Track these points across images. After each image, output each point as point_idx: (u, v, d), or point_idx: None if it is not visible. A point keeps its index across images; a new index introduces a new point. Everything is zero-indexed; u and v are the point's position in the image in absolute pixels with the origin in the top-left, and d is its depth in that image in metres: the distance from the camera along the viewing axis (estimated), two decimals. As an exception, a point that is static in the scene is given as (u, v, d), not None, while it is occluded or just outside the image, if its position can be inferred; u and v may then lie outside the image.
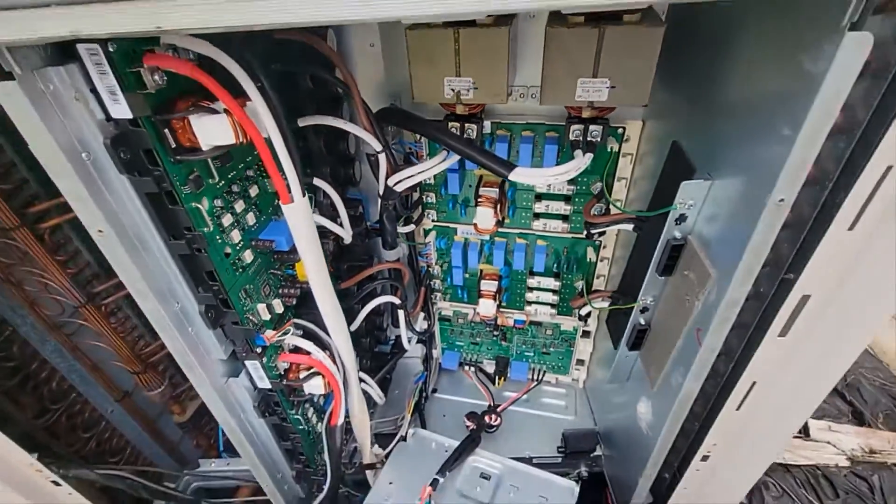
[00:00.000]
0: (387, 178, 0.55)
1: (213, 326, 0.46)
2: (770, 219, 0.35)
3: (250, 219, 0.49)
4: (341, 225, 0.59)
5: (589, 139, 0.52)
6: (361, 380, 0.71)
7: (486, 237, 0.70)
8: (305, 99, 0.54)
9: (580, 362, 0.84)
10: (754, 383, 0.47)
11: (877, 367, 1.87)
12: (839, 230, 0.36)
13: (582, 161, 0.48)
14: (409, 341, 0.75)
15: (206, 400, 0.50)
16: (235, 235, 0.47)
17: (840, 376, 0.44)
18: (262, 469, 0.59)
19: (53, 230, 0.64)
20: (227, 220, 0.45)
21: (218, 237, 0.44)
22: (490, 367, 0.88)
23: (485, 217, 0.60)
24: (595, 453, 0.78)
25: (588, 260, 0.67)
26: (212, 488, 0.82)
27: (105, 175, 0.35)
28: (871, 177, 0.33)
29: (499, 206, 0.63)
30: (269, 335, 0.51)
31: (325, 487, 0.63)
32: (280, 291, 0.55)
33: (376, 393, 0.74)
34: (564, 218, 0.65)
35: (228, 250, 0.46)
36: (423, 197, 0.68)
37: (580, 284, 0.70)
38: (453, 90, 0.50)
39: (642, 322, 0.55)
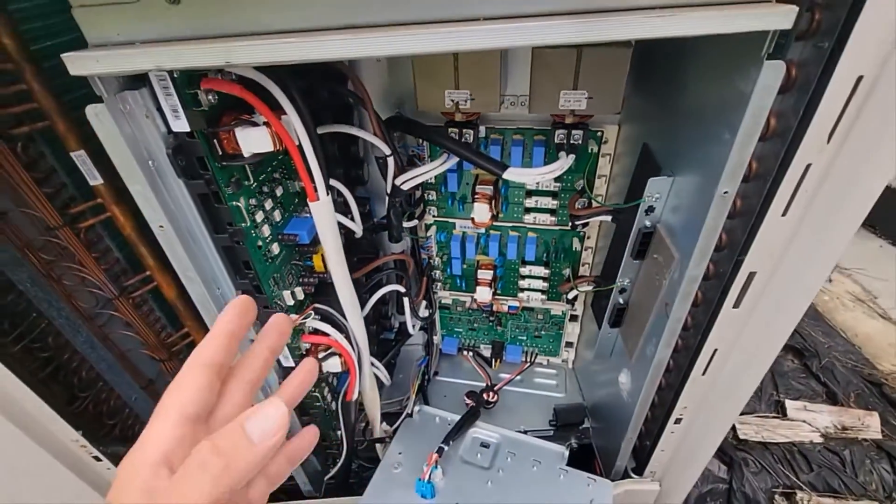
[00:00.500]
0: (394, 179, 0.62)
1: (249, 309, 0.53)
2: (718, 208, 0.43)
3: (277, 215, 0.56)
4: (353, 220, 0.66)
5: (572, 142, 0.59)
6: (371, 362, 0.79)
7: (483, 230, 0.77)
8: (323, 109, 0.60)
9: (569, 344, 0.92)
10: (716, 350, 0.55)
11: (849, 350, 1.98)
12: (775, 216, 0.44)
13: (566, 161, 0.56)
14: (413, 327, 0.82)
15: (240, 376, 0.57)
16: (265, 230, 0.53)
17: (785, 339, 0.52)
18: (285, 441, 0.66)
19: (88, 230, 0.70)
20: (259, 216, 0.52)
21: (252, 231, 0.51)
22: (487, 352, 0.96)
23: (481, 212, 0.68)
24: (584, 426, 0.86)
25: (574, 249, 0.75)
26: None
27: (166, 179, 0.42)
28: (795, 173, 0.41)
29: (493, 202, 0.71)
30: (294, 318, 0.58)
31: (341, 459, 0.70)
32: (301, 280, 0.62)
33: (384, 375, 0.81)
34: (552, 212, 0.72)
35: (260, 243, 0.53)
36: (425, 195, 0.75)
37: (567, 271, 0.77)
38: (453, 101, 0.57)
39: (621, 301, 0.63)
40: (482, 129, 0.65)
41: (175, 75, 0.38)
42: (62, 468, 0.62)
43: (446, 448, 0.69)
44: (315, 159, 0.46)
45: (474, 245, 0.77)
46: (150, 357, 0.83)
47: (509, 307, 0.86)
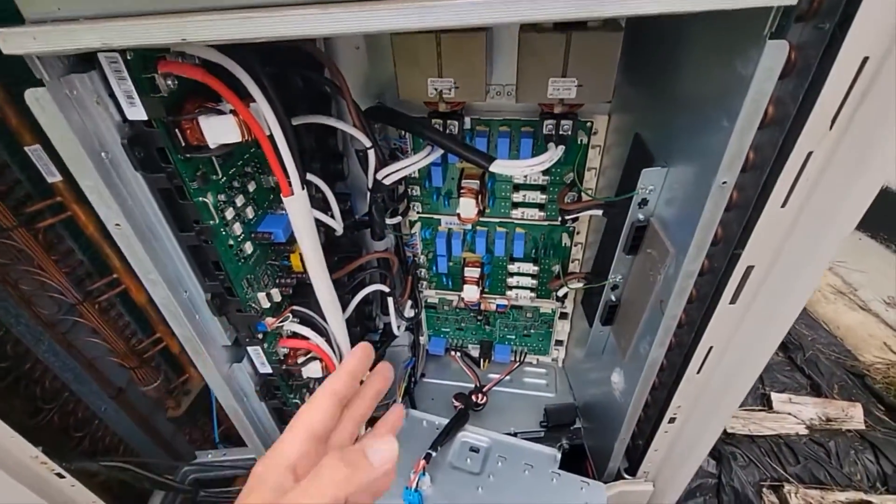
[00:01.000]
0: (376, 173, 0.59)
1: (219, 314, 0.49)
2: (716, 199, 0.41)
3: (249, 212, 0.52)
4: (332, 217, 0.62)
5: (561, 133, 0.57)
6: (354, 366, 0.75)
7: (469, 226, 0.74)
8: (297, 98, 0.57)
9: (559, 343, 0.90)
10: (711, 348, 0.53)
11: (832, 343, 2.01)
12: (774, 208, 0.42)
13: (555, 153, 0.53)
14: (399, 328, 0.79)
15: (212, 385, 0.53)
16: (237, 228, 0.50)
17: (783, 335, 0.51)
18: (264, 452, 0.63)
19: (46, 230, 0.65)
20: (229, 213, 0.48)
21: (222, 230, 0.47)
22: (475, 352, 0.93)
23: (467, 207, 0.65)
24: (575, 426, 0.84)
25: (563, 245, 0.73)
26: (208, 479, 0.84)
27: (122, 172, 0.38)
28: (796, 161, 0.39)
29: (480, 197, 0.68)
30: (270, 322, 0.55)
31: (325, 466, 0.66)
32: (278, 281, 0.59)
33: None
34: (541, 206, 0.70)
35: (231, 242, 0.49)
36: (409, 190, 0.72)
37: (557, 268, 0.75)
38: (436, 89, 0.54)
39: (613, 298, 0.61)
40: (467, 120, 0.63)
41: (129, 56, 0.34)
42: (21, 487, 0.58)
43: (434, 454, 0.66)
44: (288, 151, 0.43)
45: (460, 242, 0.75)
46: (119, 365, 0.79)
47: (497, 306, 0.84)
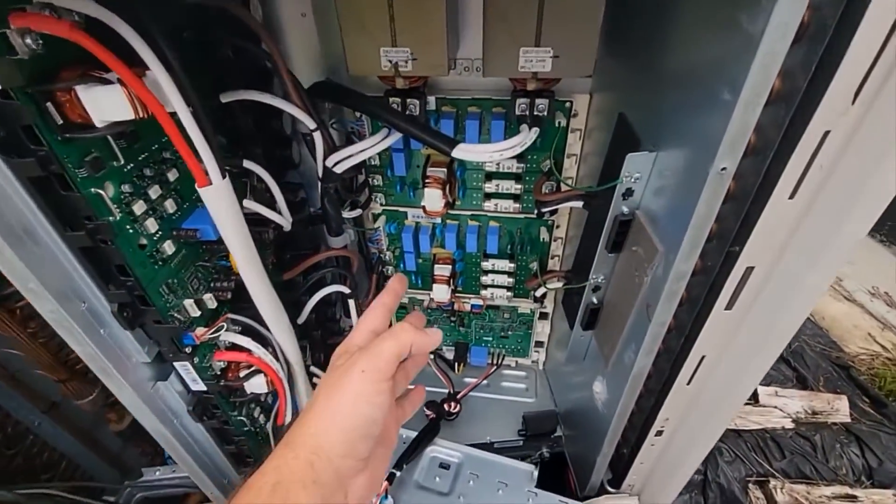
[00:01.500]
0: (325, 159, 0.51)
1: (131, 327, 0.42)
2: (713, 188, 0.34)
3: (169, 206, 0.44)
4: (279, 212, 0.55)
5: (536, 113, 0.50)
6: (313, 374, 0.68)
7: (438, 219, 0.67)
8: (231, 72, 0.49)
9: (539, 344, 0.84)
10: (703, 357, 0.47)
11: (818, 334, 1.99)
12: (780, 199, 0.35)
13: (527, 136, 0.46)
14: (363, 332, 0.72)
15: (130, 407, 0.46)
16: (151, 224, 0.42)
17: (784, 345, 0.45)
18: (204, 477, 0.56)
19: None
20: (138, 207, 0.40)
21: (129, 227, 0.40)
22: (449, 354, 0.87)
23: (433, 198, 0.58)
24: (556, 434, 0.78)
25: (542, 240, 0.66)
26: (157, 498, 0.77)
27: (-28, 156, 0.30)
28: (809, 143, 0.33)
29: (448, 187, 0.61)
30: (200, 333, 0.47)
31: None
32: (212, 285, 0.51)
33: (330, 387, 0.71)
34: (516, 197, 0.63)
35: (144, 241, 0.42)
36: (370, 179, 0.64)
37: (535, 265, 0.68)
38: (391, 62, 0.46)
39: (595, 301, 0.54)
40: (431, 99, 0.55)
41: (-39, 4, 0.26)
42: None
43: (398, 473, 0.59)
44: (199, 132, 0.35)
45: (429, 237, 0.68)
46: (48, 378, 0.71)
47: (472, 306, 0.77)
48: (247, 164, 0.50)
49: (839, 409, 1.68)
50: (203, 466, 0.55)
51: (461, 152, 0.44)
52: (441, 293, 0.69)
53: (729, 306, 0.43)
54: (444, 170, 0.59)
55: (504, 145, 0.45)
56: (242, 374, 0.53)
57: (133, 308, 0.42)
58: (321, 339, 0.75)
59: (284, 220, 0.55)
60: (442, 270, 0.70)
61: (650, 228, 0.42)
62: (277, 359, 0.53)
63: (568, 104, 0.54)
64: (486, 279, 0.72)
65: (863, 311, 2.16)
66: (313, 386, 0.69)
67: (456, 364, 0.84)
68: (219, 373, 0.52)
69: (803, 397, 1.72)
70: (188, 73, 0.34)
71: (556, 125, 0.54)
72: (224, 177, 0.38)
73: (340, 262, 0.64)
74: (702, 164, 0.34)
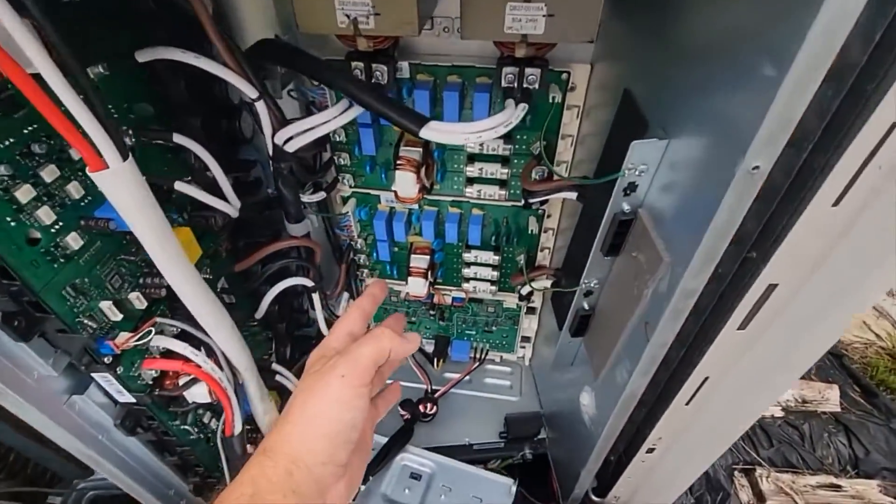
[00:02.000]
0: (273, 136, 0.43)
1: (25, 338, 0.34)
2: (740, 191, 0.26)
3: (74, 190, 0.36)
4: (223, 196, 0.47)
5: (525, 86, 0.42)
6: (276, 372, 0.62)
7: (415, 206, 0.59)
8: (155, 26, 0.40)
9: (525, 339, 0.78)
10: (706, 378, 0.41)
11: (812, 322, 1.96)
12: (820, 206, 0.28)
13: (513, 114, 0.38)
14: (330, 326, 0.65)
15: (38, 427, 0.39)
16: (46, 214, 0.34)
17: (801, 374, 0.38)
18: (143, 492, 0.50)
19: None
20: (24, 193, 0.32)
21: (10, 218, 0.32)
22: (429, 347, 0.81)
23: (405, 183, 0.50)
24: (539, 436, 0.73)
25: (530, 232, 0.59)
26: (111, 496, 0.72)
27: None
28: (869, 138, 0.25)
29: (425, 169, 0.53)
30: (121, 341, 0.40)
31: (227, 502, 0.54)
32: (141, 281, 0.44)
33: (293, 385, 0.65)
34: (502, 183, 0.55)
35: (37, 235, 0.34)
36: (335, 157, 0.56)
37: (521, 258, 0.61)
38: (348, 16, 0.38)
39: (586, 307, 0.48)
40: (404, 65, 0.46)
41: None
42: None
43: (362, 487, 0.54)
44: (77, 101, 0.27)
45: (404, 224, 0.60)
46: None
47: (454, 299, 0.70)
48: (178, 138, 0.42)
49: (829, 398, 1.66)
50: (141, 481, 0.49)
51: (431, 132, 0.36)
52: (417, 287, 0.62)
53: (743, 326, 0.36)
54: (420, 150, 0.51)
55: (483, 125, 0.37)
56: (182, 381, 0.46)
57: (26, 316, 0.34)
58: (287, 332, 0.69)
59: (229, 206, 0.47)
60: (418, 262, 0.62)
61: (655, 233, 0.35)
62: (221, 365, 0.46)
63: (564, 75, 0.45)
64: (468, 272, 0.65)
65: (859, 298, 2.12)
66: (276, 386, 0.62)
67: (435, 359, 0.78)
68: (151, 382, 0.45)
69: (794, 386, 1.70)
70: (96, 25, 0.26)
71: (550, 100, 0.45)
72: (126, 157, 0.30)
73: (302, 252, 0.56)
74: (728, 159, 0.26)
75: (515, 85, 0.42)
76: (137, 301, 0.43)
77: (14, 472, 0.77)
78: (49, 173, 0.34)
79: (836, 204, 0.28)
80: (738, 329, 0.36)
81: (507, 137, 0.50)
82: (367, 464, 0.38)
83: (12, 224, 0.32)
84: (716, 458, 0.50)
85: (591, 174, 0.47)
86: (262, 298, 0.59)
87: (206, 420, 0.56)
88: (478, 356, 0.79)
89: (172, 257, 0.36)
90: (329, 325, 0.65)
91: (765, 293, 0.33)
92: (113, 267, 0.41)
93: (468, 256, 0.63)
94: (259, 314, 0.59)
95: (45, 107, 0.26)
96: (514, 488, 0.56)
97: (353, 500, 0.54)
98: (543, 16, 0.35)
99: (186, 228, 0.46)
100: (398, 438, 0.61)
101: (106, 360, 0.40)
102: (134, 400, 0.44)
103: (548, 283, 0.57)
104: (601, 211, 0.40)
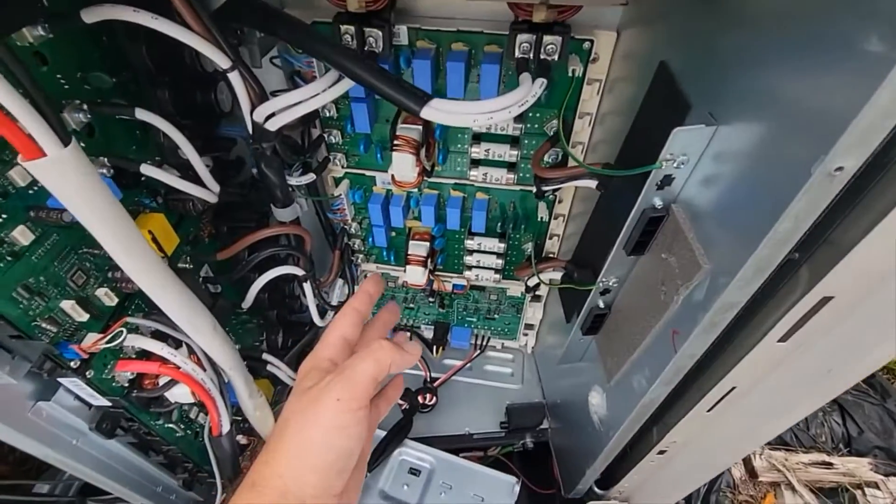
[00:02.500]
0: (252, 112, 0.38)
1: (-29, 346, 0.30)
2: (814, 196, 0.22)
3: (18, 177, 0.31)
4: (198, 179, 0.42)
5: (542, 56, 0.36)
6: (266, 362, 0.59)
7: (414, 189, 0.54)
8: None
9: (529, 327, 0.74)
10: (733, 388, 0.38)
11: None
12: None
13: (530, 91, 0.33)
14: (323, 315, 0.62)
15: (2, 437, 0.35)
16: (-16, 206, 0.29)
17: (836, 395, 0.35)
18: (130, 492, 0.47)
19: None
20: (-48, 183, 0.27)
21: (-63, 213, 0.27)
22: (428, 333, 0.77)
23: (403, 166, 0.45)
24: (542, 426, 0.71)
25: (539, 219, 0.54)
26: (101, 483, 0.70)
27: None
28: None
29: (426, 150, 0.48)
30: (88, 344, 0.36)
31: (217, 502, 0.52)
32: (110, 275, 0.39)
33: (286, 375, 0.62)
34: (510, 166, 0.50)
35: (-25, 230, 0.29)
36: (326, 135, 0.51)
37: (528, 247, 0.57)
38: (336, -30, 0.31)
39: (601, 305, 0.44)
40: (401, 30, 0.40)
41: None
42: None
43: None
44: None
45: (402, 208, 0.55)
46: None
47: (454, 286, 0.66)
48: (141, 113, 0.36)
49: (828, 377, 1.66)
50: (126, 482, 0.47)
51: (434, 112, 0.31)
52: (416, 276, 0.58)
53: (784, 338, 0.32)
54: (420, 128, 0.45)
55: (495, 105, 0.31)
56: (161, 381, 0.43)
57: (-33, 323, 0.30)
58: (278, 318, 0.65)
59: (206, 190, 0.42)
60: (417, 249, 0.58)
61: (692, 234, 0.30)
62: (203, 365, 0.43)
63: (587, 44, 0.39)
64: (470, 259, 0.60)
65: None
66: (268, 376, 0.59)
67: (434, 346, 0.74)
68: (128, 384, 0.41)
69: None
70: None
71: (570, 74, 0.39)
72: (67, 143, 0.25)
73: (291, 240, 0.52)
74: (802, 155, 0.21)
75: (531, 55, 0.36)
76: (106, 297, 0.39)
77: (2, 457, 0.75)
78: (-16, 158, 0.29)
79: (920, 211, 0.23)
80: (779, 341, 0.32)
81: (518, 116, 0.44)
82: (363, 479, 0.35)
83: (-60, 220, 0.27)
84: (729, 466, 0.47)
85: (610, 157, 0.42)
86: (249, 286, 0.54)
87: (192, 416, 0.53)
88: (479, 343, 0.76)
89: (136, 255, 0.31)
90: (322, 313, 0.61)
91: (817, 306, 0.29)
92: (75, 262, 0.36)
93: (471, 243, 0.58)
94: (247, 304, 0.55)
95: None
96: (517, 487, 0.54)
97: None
98: (570, -29, 0.29)
99: (160, 215, 0.41)
100: (396, 432, 0.59)
101: (73, 364, 0.36)
102: (109, 403, 0.40)
103: (557, 276, 0.52)
104: (624, 202, 0.35)
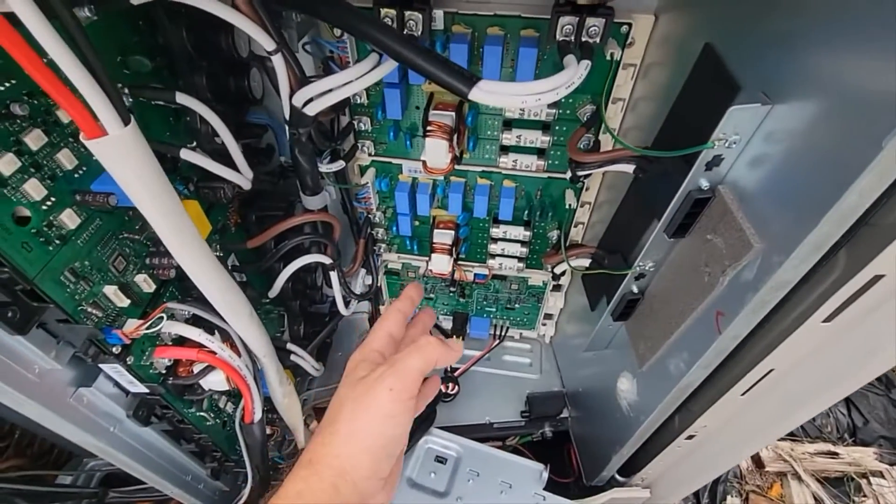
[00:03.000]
0: (291, 96, 0.38)
1: (21, 331, 0.30)
2: (882, 171, 0.22)
3: (65, 159, 0.31)
4: (234, 165, 0.41)
5: (584, 39, 0.36)
6: (290, 352, 0.59)
7: (440, 177, 0.54)
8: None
9: (548, 317, 0.75)
10: (771, 370, 0.38)
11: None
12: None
13: (576, 72, 0.33)
14: (348, 304, 0.62)
15: (43, 422, 0.35)
16: (34, 188, 0.29)
17: (875, 377, 0.35)
18: (159, 480, 0.47)
19: None
20: (6, 164, 0.27)
21: (-9, 194, 0.27)
22: (447, 324, 0.77)
23: (437, 152, 0.45)
24: (562, 415, 0.71)
25: (567, 206, 0.54)
26: (123, 474, 0.70)
27: None
28: None
29: (457, 136, 0.48)
30: (129, 329, 0.36)
31: (247, 489, 0.52)
32: (148, 262, 0.39)
33: (310, 365, 0.62)
34: (540, 152, 0.50)
35: (26, 213, 0.29)
36: (355, 122, 0.50)
37: (555, 234, 0.57)
38: (382, -49, 0.31)
39: (635, 290, 0.44)
40: (438, 15, 0.40)
41: None
42: None
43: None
44: (57, 43, 0.21)
45: (428, 196, 0.55)
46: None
47: (476, 275, 0.66)
48: (182, 98, 0.36)
49: (832, 369, 1.68)
50: (157, 470, 0.47)
51: (483, 94, 0.31)
52: (441, 264, 0.58)
53: (829, 319, 0.32)
54: (452, 114, 0.45)
55: (544, 85, 0.31)
56: (196, 369, 0.43)
57: (22, 306, 0.30)
58: (300, 310, 0.65)
59: (241, 176, 0.42)
60: (443, 237, 0.58)
61: (741, 213, 0.31)
62: (238, 352, 0.43)
63: (625, 28, 0.39)
64: (494, 248, 0.60)
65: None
66: (291, 366, 0.59)
67: (454, 336, 0.74)
68: (165, 371, 0.41)
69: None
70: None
71: (608, 58, 0.40)
72: (127, 122, 0.25)
73: (319, 228, 0.52)
74: (869, 130, 0.21)
75: (573, 39, 0.36)
76: (145, 284, 0.39)
77: (20, 449, 0.74)
78: (34, 139, 0.29)
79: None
80: (824, 322, 0.32)
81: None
82: (401, 469, 0.38)
83: (-7, 200, 0.27)
84: (757, 451, 0.48)
85: (642, 143, 0.42)
86: (274, 275, 0.54)
87: (221, 405, 0.53)
88: (498, 333, 0.76)
89: (186, 238, 0.31)
90: (346, 303, 0.61)
91: (867, 284, 0.29)
92: (115, 247, 0.36)
93: (496, 232, 0.58)
94: (273, 293, 0.55)
95: (23, 56, 0.21)
96: (545, 474, 0.55)
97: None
98: (621, -49, 0.29)
99: (194, 202, 0.41)
100: (422, 421, 0.59)
101: (115, 350, 0.36)
102: (147, 390, 0.40)
103: (586, 263, 0.53)
104: (665, 186, 0.35)
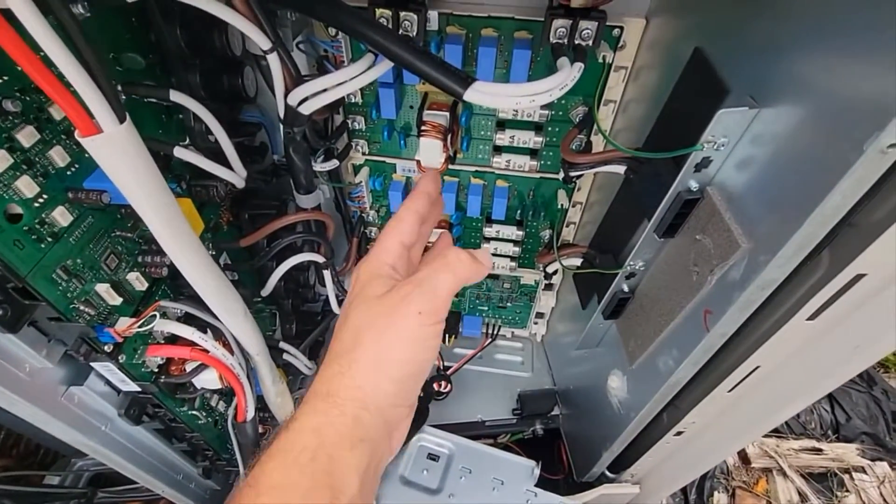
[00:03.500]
0: (286, 95, 0.38)
1: (12, 329, 0.30)
2: (863, 173, 0.23)
3: (57, 156, 0.31)
4: (227, 164, 0.41)
5: (577, 42, 0.36)
6: (282, 350, 0.59)
7: (434, 176, 0.54)
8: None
9: (539, 315, 0.75)
10: (757, 367, 0.39)
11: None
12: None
13: (570, 74, 0.33)
14: (341, 303, 0.62)
15: (34, 422, 0.35)
16: (26, 185, 0.29)
17: (861, 370, 0.36)
18: (153, 479, 0.47)
19: None
20: (-2, 161, 0.27)
21: (-18, 191, 0.27)
22: (439, 323, 0.78)
23: (431, 151, 0.45)
24: (553, 413, 0.72)
25: (559, 206, 0.55)
26: (114, 473, 0.69)
27: None
28: None
29: (451, 136, 0.48)
30: (122, 328, 0.36)
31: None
32: (140, 259, 0.39)
33: (303, 363, 0.62)
34: (533, 153, 0.50)
35: (18, 210, 0.29)
36: (349, 121, 0.51)
37: (547, 233, 0.58)
38: (378, -49, 0.32)
39: (626, 289, 0.45)
40: (433, 15, 0.40)
41: None
42: None
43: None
44: (53, 40, 0.21)
45: (422, 196, 0.55)
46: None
47: (468, 274, 0.67)
48: (176, 96, 0.36)
49: (816, 367, 1.71)
50: (148, 469, 0.46)
51: (477, 95, 0.31)
52: (434, 263, 0.58)
53: (813, 316, 0.33)
54: (446, 114, 0.46)
55: (538, 87, 0.32)
56: (189, 367, 0.43)
57: (12, 304, 0.30)
58: (292, 308, 0.65)
59: (235, 174, 0.42)
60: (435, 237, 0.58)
61: (728, 214, 0.31)
62: (231, 350, 0.43)
63: (616, 31, 0.40)
64: (486, 246, 0.61)
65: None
66: (283, 364, 0.59)
67: (447, 335, 0.75)
68: (157, 369, 0.41)
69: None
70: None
71: (600, 60, 0.40)
72: (123, 120, 0.25)
73: (312, 227, 0.52)
74: (852, 133, 0.22)
75: (566, 41, 0.37)
76: (137, 282, 0.38)
77: (5, 450, 0.73)
78: (27, 136, 0.29)
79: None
80: (808, 319, 0.33)
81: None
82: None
83: (-15, 197, 0.27)
84: (745, 446, 0.49)
85: (632, 145, 0.43)
86: (267, 274, 0.54)
87: (213, 403, 0.52)
88: (490, 332, 0.77)
89: (180, 236, 0.31)
90: (340, 302, 0.61)
91: (850, 283, 0.30)
92: (108, 245, 0.36)
93: (489, 231, 0.59)
94: (266, 292, 0.55)
95: (19, 52, 0.21)
96: (536, 470, 0.55)
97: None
98: (613, -44, 0.30)
99: (187, 200, 0.41)
100: (415, 419, 0.59)
101: (107, 348, 0.36)
102: (139, 389, 0.40)
103: (577, 262, 0.53)
104: (655, 186, 0.36)
